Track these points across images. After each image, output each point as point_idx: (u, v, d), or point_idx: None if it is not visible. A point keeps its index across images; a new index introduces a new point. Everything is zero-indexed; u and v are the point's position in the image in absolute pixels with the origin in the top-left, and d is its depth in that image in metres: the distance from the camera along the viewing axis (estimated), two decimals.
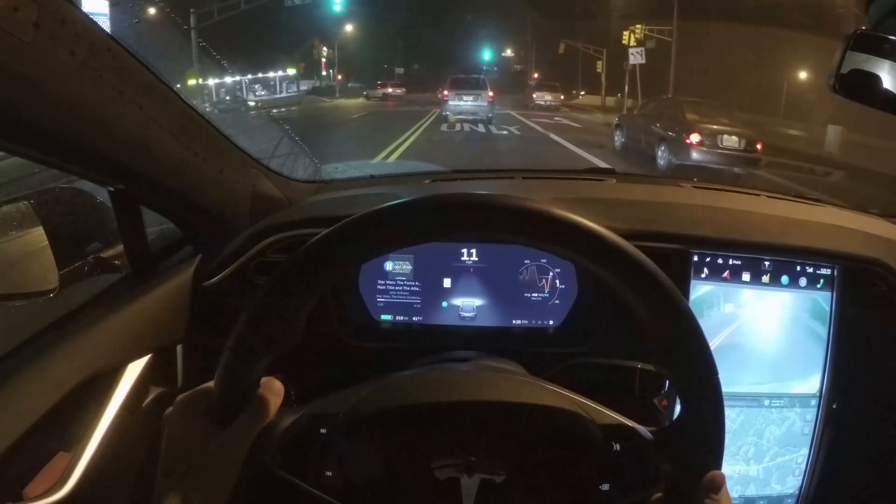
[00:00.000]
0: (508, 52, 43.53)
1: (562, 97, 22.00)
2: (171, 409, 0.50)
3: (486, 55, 41.03)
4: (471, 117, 14.00)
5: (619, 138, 10.97)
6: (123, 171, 0.69)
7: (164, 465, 0.47)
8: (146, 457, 0.77)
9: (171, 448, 0.48)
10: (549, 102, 20.95)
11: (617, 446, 0.49)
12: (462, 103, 14.34)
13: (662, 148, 8.88)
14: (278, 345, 0.48)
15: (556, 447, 0.50)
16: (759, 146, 8.39)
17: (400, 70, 39.82)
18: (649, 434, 0.50)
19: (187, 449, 0.47)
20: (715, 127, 8.42)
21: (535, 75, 32.74)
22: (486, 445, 0.50)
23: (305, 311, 0.48)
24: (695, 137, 8.32)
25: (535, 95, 21.90)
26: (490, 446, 0.50)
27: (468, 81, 15.20)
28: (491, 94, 14.86)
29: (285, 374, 0.55)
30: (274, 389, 0.50)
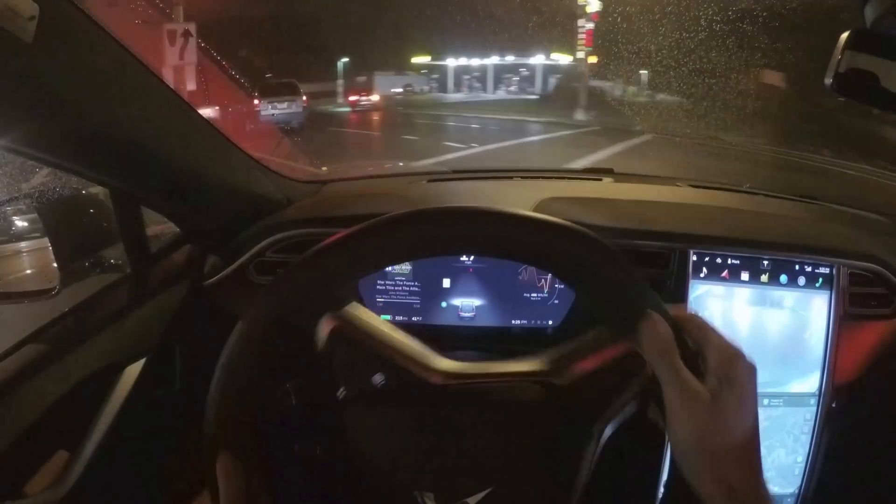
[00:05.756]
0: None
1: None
2: None
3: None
4: (286, 126, 12.53)
5: None
6: (124, 170, 0.69)
7: None
8: (146, 454, 0.78)
9: None
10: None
11: (570, 407, 0.48)
12: (276, 111, 12.89)
13: None
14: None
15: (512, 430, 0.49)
16: None
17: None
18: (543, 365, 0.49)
19: None
20: None
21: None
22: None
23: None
24: None
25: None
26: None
27: (281, 87, 13.54)
28: (305, 99, 13.52)
29: (283, 376, 0.55)
30: None
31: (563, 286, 0.90)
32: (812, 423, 0.89)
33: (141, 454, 0.77)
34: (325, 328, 0.49)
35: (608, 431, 0.48)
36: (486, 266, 0.90)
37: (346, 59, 24.67)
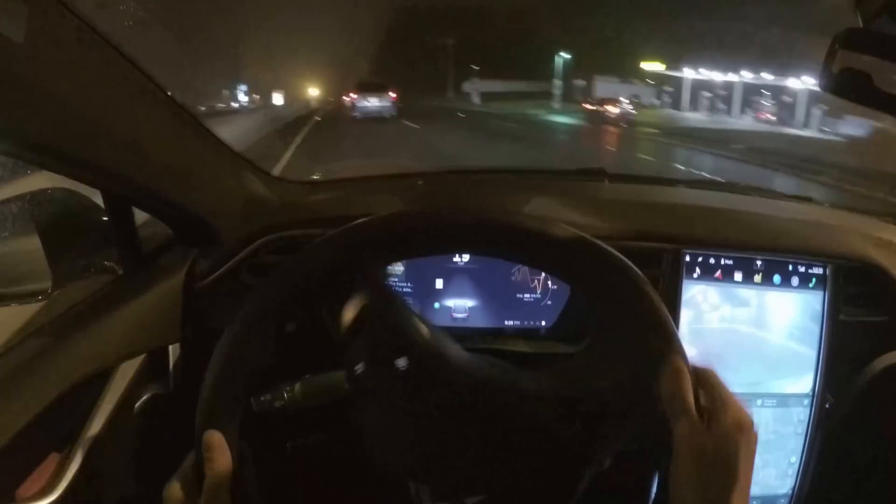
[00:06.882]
0: None
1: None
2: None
3: None
4: (377, 115, 15.41)
5: None
6: (115, 172, 0.69)
7: None
8: (139, 457, 0.78)
9: None
10: None
11: (578, 424, 0.48)
12: (369, 104, 15.86)
13: None
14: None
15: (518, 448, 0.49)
16: None
17: None
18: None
19: None
20: None
21: None
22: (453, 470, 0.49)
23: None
24: None
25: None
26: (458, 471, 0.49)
27: (373, 85, 16.44)
28: (394, 95, 16.36)
29: (278, 375, 0.55)
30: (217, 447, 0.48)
31: (556, 287, 0.90)
32: (806, 423, 0.89)
33: (134, 457, 0.77)
34: (355, 304, 0.49)
35: (608, 462, 0.49)
36: (479, 267, 0.90)
37: (566, 56, 21.53)
